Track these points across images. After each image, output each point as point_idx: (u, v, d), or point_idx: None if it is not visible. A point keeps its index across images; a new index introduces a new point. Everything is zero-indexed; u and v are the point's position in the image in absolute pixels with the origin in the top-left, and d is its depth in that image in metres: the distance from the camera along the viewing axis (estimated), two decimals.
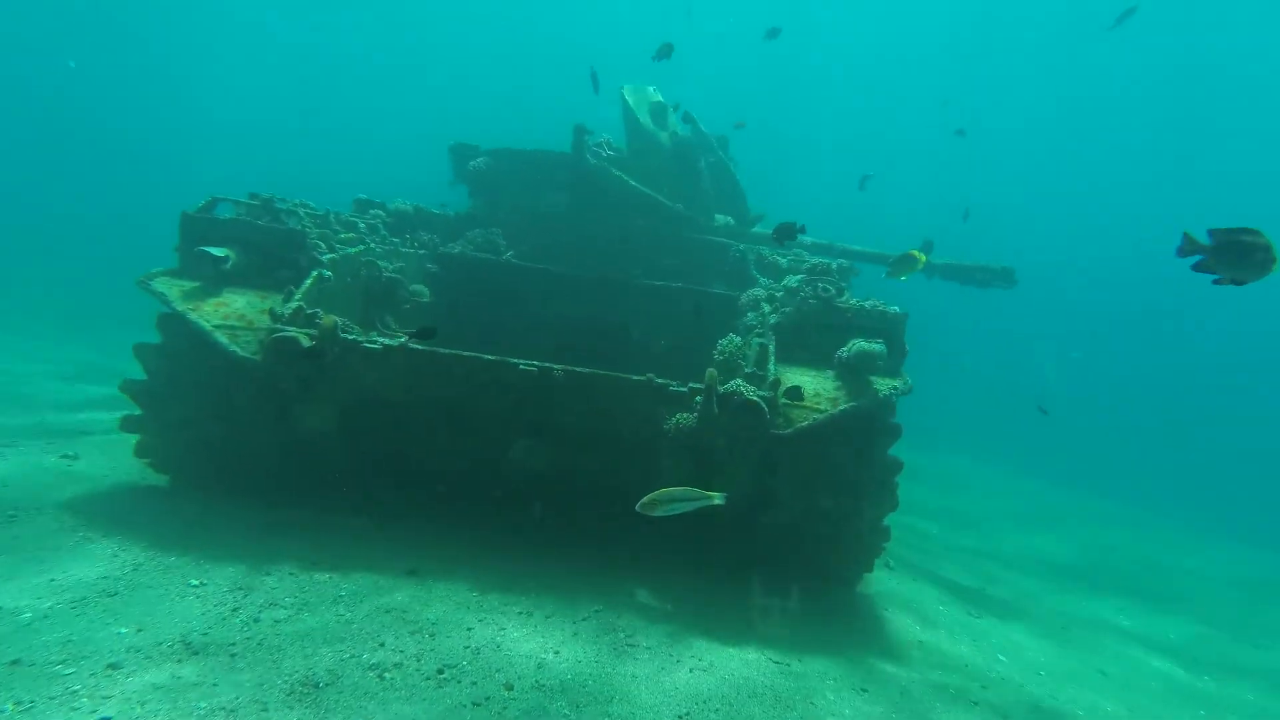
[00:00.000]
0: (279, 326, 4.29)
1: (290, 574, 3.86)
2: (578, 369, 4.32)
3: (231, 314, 4.39)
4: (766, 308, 5.50)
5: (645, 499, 3.19)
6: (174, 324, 4.46)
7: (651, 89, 9.39)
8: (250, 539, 4.20)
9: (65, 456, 5.16)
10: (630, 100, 8.91)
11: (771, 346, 4.71)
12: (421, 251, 7.33)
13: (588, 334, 8.05)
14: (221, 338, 4.20)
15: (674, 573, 4.66)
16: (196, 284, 4.57)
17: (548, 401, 4.41)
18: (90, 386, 8.72)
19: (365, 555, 4.23)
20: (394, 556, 4.28)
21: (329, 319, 4.23)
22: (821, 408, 4.29)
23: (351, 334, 4.49)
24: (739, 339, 5.36)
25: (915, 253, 5.62)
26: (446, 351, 4.37)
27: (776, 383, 4.30)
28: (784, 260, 7.49)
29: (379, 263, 5.75)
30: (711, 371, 4.21)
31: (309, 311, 4.63)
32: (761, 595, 4.56)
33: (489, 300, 7.75)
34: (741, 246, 8.35)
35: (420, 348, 4.39)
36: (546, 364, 4.32)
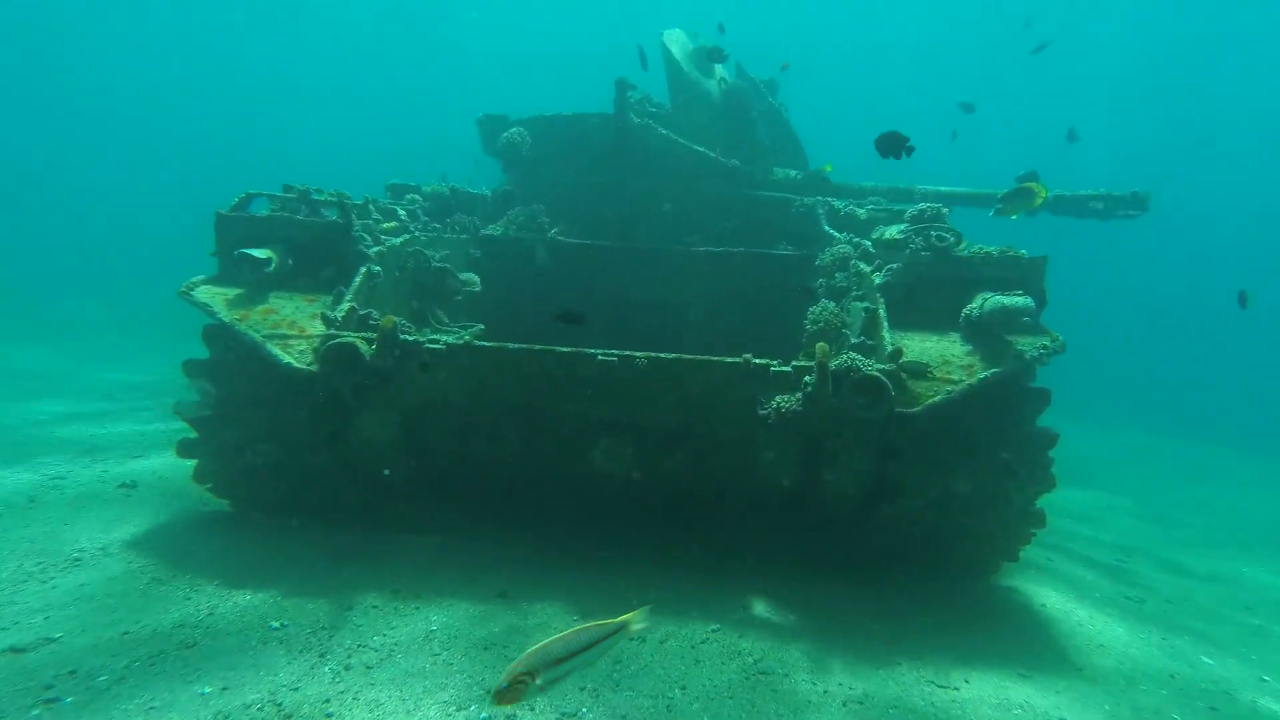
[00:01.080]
0: (333, 332, 3.96)
1: (373, 607, 3.58)
2: (663, 355, 3.87)
3: (281, 321, 4.07)
4: (863, 265, 4.91)
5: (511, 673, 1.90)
6: (222, 337, 4.17)
7: (687, 35, 8.70)
8: (322, 568, 3.95)
9: (123, 486, 5.01)
10: (671, 47, 8.24)
11: (882, 311, 4.16)
12: (463, 236, 6.93)
13: (641, 313, 7.60)
14: (274, 349, 3.88)
15: (787, 578, 4.24)
16: (240, 290, 4.26)
17: (630, 395, 3.99)
18: (134, 401, 8.72)
19: (447, 578, 3.94)
20: (477, 578, 3.97)
21: (387, 320, 3.87)
22: (954, 378, 3.74)
23: (410, 334, 4.13)
24: (833, 305, 4.81)
25: (1034, 184, 4.91)
26: (516, 347, 3.98)
27: (897, 353, 3.77)
28: (862, 211, 6.79)
29: (425, 252, 5.37)
30: (822, 345, 3.70)
31: (361, 312, 4.30)
32: (894, 598, 4.11)
33: (535, 283, 7.34)
34: (806, 200, 7.69)
35: (487, 345, 4.01)
36: (627, 352, 3.89)
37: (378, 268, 4.61)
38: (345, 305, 4.18)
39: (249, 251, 4.19)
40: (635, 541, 4.55)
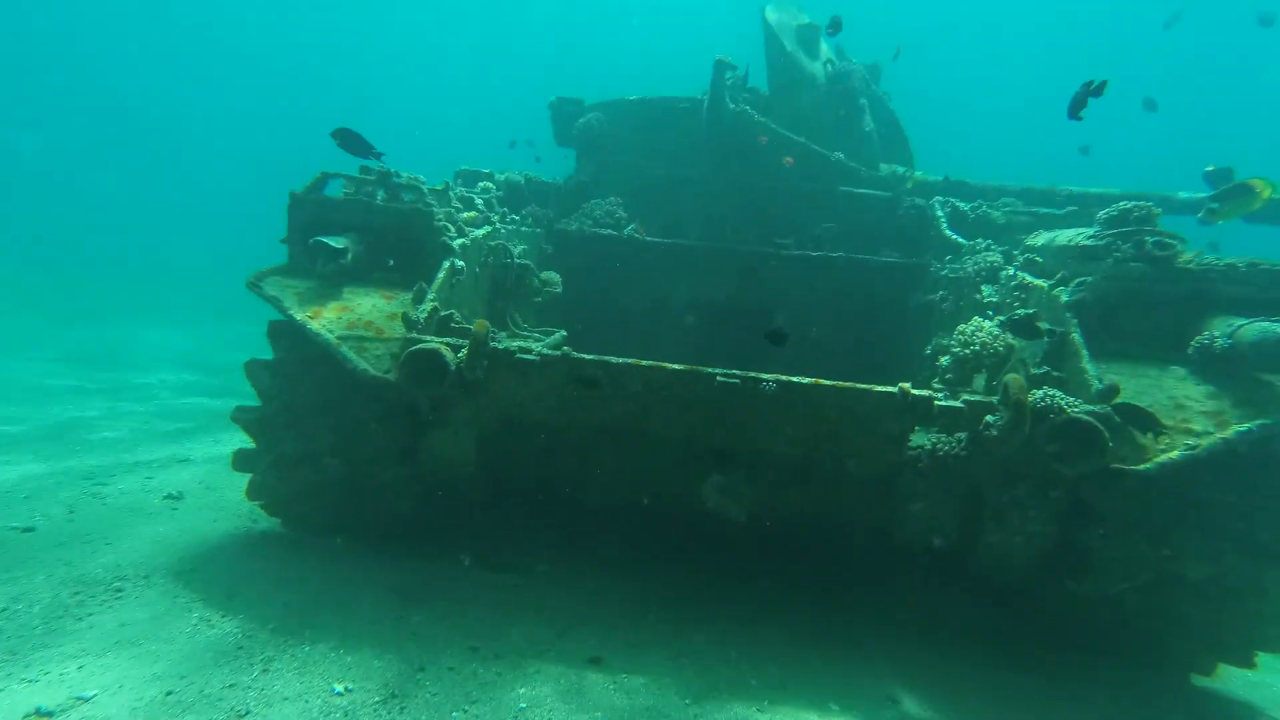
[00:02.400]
0: (415, 335, 3.50)
1: (449, 669, 3.08)
2: (796, 380, 3.25)
3: (357, 321, 3.63)
4: (1028, 277, 4.15)
5: None
6: (290, 335, 3.77)
7: (795, 6, 8.04)
8: (388, 613, 3.48)
9: (169, 498, 4.69)
10: (773, 21, 7.62)
11: (1077, 335, 3.43)
12: (537, 230, 6.47)
13: (723, 320, 7.00)
14: (348, 352, 3.44)
15: (933, 657, 3.56)
16: (312, 283, 3.85)
17: (749, 423, 3.40)
18: (190, 399, 8.59)
19: (530, 634, 3.41)
20: (565, 634, 3.44)
21: (480, 325, 3.37)
22: (1195, 427, 2.99)
23: (499, 341, 3.63)
24: (990, 324, 4.08)
25: (1259, 181, 4.07)
26: (620, 361, 3.44)
27: (1110, 391, 3.04)
28: (998, 213, 5.97)
29: (508, 246, 4.90)
30: (1016, 378, 3.02)
31: (444, 313, 3.83)
32: (1076, 694, 3.37)
33: (609, 284, 6.82)
34: (918, 200, 6.92)
35: (588, 358, 3.48)
36: (752, 374, 3.29)
37: (461, 263, 4.15)
38: (428, 305, 3.71)
39: (325, 240, 3.77)
40: (745, 595, 3.94)
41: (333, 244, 3.78)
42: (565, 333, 4.83)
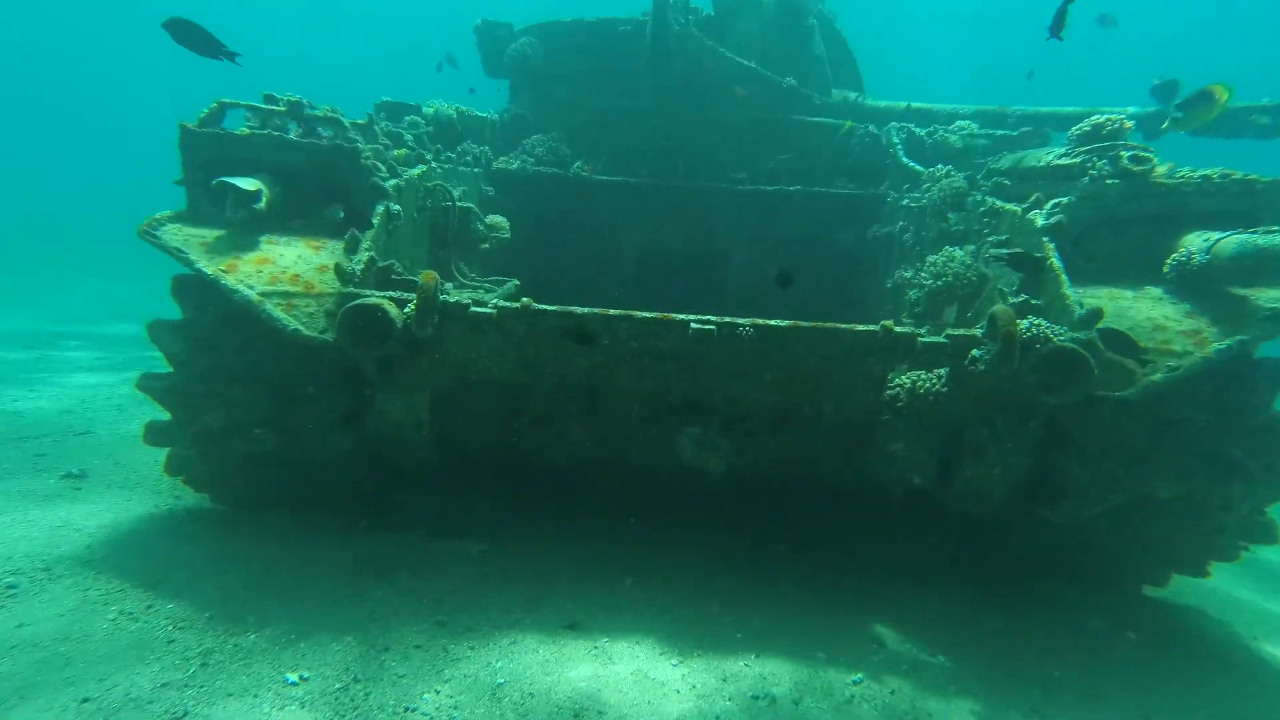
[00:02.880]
0: (353, 290, 3.14)
1: (416, 647, 2.92)
2: (774, 323, 3.13)
3: (282, 275, 3.22)
4: (1000, 202, 4.08)
5: None
6: (200, 293, 3.32)
7: None
8: (343, 592, 3.26)
9: (68, 478, 4.19)
10: None
11: (1056, 260, 3.34)
12: (476, 170, 6.00)
13: (676, 264, 6.82)
14: (276, 310, 3.06)
15: (913, 598, 3.66)
16: (220, 232, 3.37)
17: (724, 371, 3.29)
18: (78, 353, 7.74)
19: (501, 603, 3.28)
20: (538, 601, 3.33)
21: (428, 276, 3.04)
22: (1175, 348, 2.98)
23: (450, 294, 3.32)
24: (960, 252, 4.05)
25: (1218, 87, 4.11)
26: (586, 311, 3.22)
27: (1094, 315, 3.00)
28: (956, 138, 5.92)
29: (448, 188, 4.47)
30: (1004, 309, 2.93)
31: (382, 264, 3.47)
32: (1050, 622, 3.56)
33: (555, 228, 6.48)
34: (871, 127, 6.81)
35: (552, 309, 3.24)
36: (727, 319, 3.15)
37: (397, 206, 3.74)
38: (363, 255, 3.34)
39: (232, 181, 3.28)
40: (723, 549, 3.93)
41: (243, 186, 3.30)
42: (518, 281, 4.53)
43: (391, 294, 3.22)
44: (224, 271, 3.14)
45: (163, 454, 3.75)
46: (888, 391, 3.17)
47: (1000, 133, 5.61)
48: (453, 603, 3.21)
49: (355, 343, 3.09)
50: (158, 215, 3.37)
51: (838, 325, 3.05)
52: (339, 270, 3.18)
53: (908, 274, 5.11)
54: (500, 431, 3.89)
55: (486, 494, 4.25)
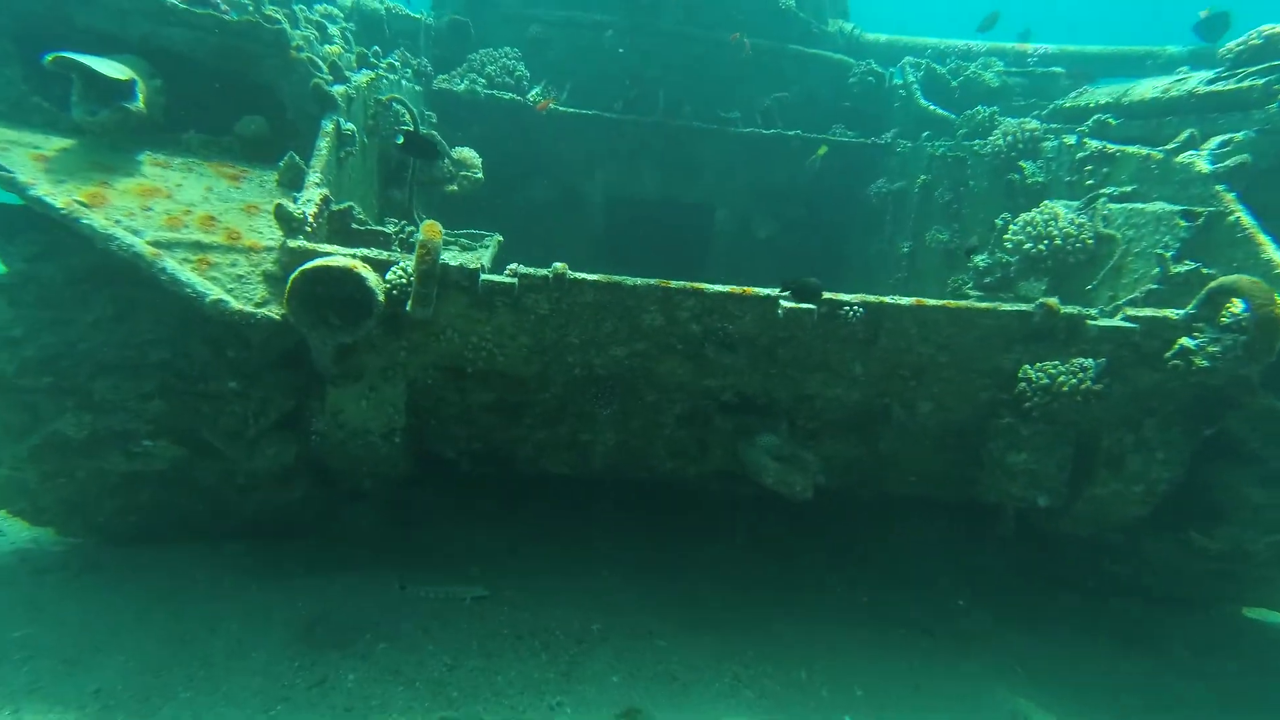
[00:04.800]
0: (305, 245, 2.23)
1: None
2: (892, 301, 2.56)
3: (185, 215, 2.22)
4: (1107, 145, 3.50)
5: None
6: (41, 236, 2.23)
7: None
8: (295, 671, 2.42)
9: None
10: None
11: (1246, 214, 2.80)
12: (416, 88, 4.92)
13: (651, 216, 6.13)
14: (184, 272, 2.09)
15: (1037, 647, 3.15)
16: (65, 140, 2.28)
17: (808, 361, 2.72)
18: None
19: (523, 679, 2.54)
20: (573, 673, 2.63)
21: (431, 230, 2.18)
22: None
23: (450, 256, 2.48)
24: (1065, 209, 3.41)
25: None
26: (640, 282, 2.52)
27: None
28: (991, 76, 5.38)
29: (407, 104, 3.47)
30: (1253, 280, 2.39)
31: (339, 205, 2.54)
32: (1217, 675, 3.07)
33: (508, 168, 5.55)
34: (873, 64, 6.33)
35: (593, 279, 2.50)
36: (828, 294, 2.55)
37: (350, 125, 2.77)
38: (313, 193, 2.40)
39: (84, 60, 2.18)
40: (773, 578, 3.37)
41: (106, 72, 2.22)
42: (500, 237, 3.67)
43: (360, 251, 2.34)
44: (84, 205, 2.09)
45: None
46: (1022, 389, 2.68)
47: (1043, 70, 5.23)
48: (458, 685, 2.46)
49: (316, 323, 2.20)
50: None
51: (975, 304, 2.55)
52: (282, 214, 2.23)
53: (943, 235, 4.75)
54: (493, 436, 3.12)
55: (470, 514, 3.48)
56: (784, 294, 2.53)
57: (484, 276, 2.40)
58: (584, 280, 2.48)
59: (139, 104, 2.29)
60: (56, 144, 2.26)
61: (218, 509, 2.87)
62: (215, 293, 2.11)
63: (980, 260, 3.73)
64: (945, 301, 2.54)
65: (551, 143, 5.57)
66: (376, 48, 4.26)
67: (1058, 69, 5.19)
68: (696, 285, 2.50)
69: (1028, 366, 2.64)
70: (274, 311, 2.22)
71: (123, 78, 2.23)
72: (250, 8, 2.69)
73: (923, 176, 5.21)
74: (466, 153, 4.00)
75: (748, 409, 2.96)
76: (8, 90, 2.34)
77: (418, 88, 4.92)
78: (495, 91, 5.44)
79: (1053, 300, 2.52)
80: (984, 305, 2.54)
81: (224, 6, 2.60)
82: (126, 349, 2.35)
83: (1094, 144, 3.52)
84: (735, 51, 5.84)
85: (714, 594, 3.18)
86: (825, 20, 6.57)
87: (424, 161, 3.48)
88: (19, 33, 2.32)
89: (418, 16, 5.64)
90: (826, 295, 2.52)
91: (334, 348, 2.41)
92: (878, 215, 5.91)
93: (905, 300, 2.53)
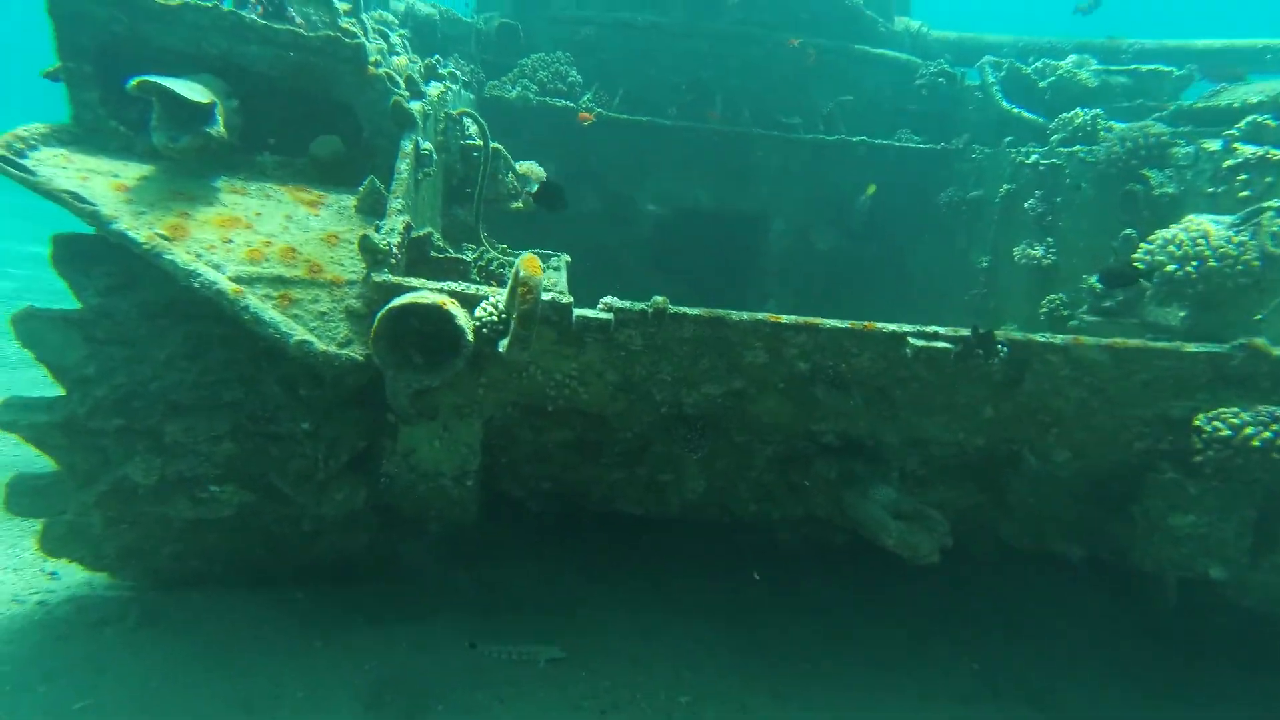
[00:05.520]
0: (390, 279, 2.14)
1: None
2: (1039, 339, 2.37)
3: (267, 248, 2.15)
4: (1270, 150, 3.17)
5: None
6: (117, 269, 2.18)
7: None
8: None
9: None
10: None
11: None
12: (469, 94, 4.86)
13: (703, 226, 6.00)
14: (268, 310, 2.01)
15: None
16: (144, 167, 2.23)
17: (931, 403, 2.54)
18: None
19: None
20: None
21: (532, 265, 2.06)
22: None
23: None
24: (1217, 225, 3.04)
25: None
26: (746, 317, 2.39)
27: None
28: (1087, 75, 5.08)
29: (478, 118, 3.39)
30: None
31: (418, 232, 2.45)
32: None
33: (558, 175, 5.46)
34: (944, 65, 6.11)
35: (694, 314, 2.37)
36: (966, 331, 2.38)
37: (429, 145, 2.69)
38: (395, 221, 2.31)
39: (168, 84, 2.12)
40: (885, 637, 3.17)
41: (188, 95, 2.16)
42: (568, 257, 3.57)
43: (447, 285, 2.24)
44: (165, 239, 2.03)
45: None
46: (1206, 437, 2.45)
47: (1148, 68, 4.96)
48: None
49: (400, 364, 2.11)
50: (23, 129, 2.17)
51: (1147, 344, 2.36)
52: (367, 246, 2.14)
53: (1035, 250, 4.54)
54: (564, 475, 3.01)
55: (535, 551, 3.38)
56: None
57: (577, 312, 2.29)
58: (684, 315, 2.35)
59: (219, 128, 2.23)
60: (135, 171, 2.20)
61: (279, 553, 2.80)
62: (299, 334, 2.03)
63: (1093, 280, 3.52)
64: (1111, 341, 2.34)
65: (602, 149, 5.49)
66: (437, 56, 4.21)
67: (1163, 66, 4.94)
68: (809, 320, 2.36)
69: (1203, 415, 2.43)
70: (358, 352, 2.14)
71: (204, 101, 2.17)
72: (320, 18, 2.62)
73: (1006, 185, 5.00)
74: (531, 167, 3.92)
75: (852, 453, 2.81)
76: (85, 113, 2.30)
77: (470, 95, 4.86)
78: (548, 98, 5.37)
79: (1259, 341, 2.32)
80: (1162, 345, 2.35)
81: (299, 20, 2.53)
82: (200, 388, 2.29)
83: (1249, 149, 3.21)
84: (797, 54, 5.69)
85: (804, 656, 3.01)
86: (891, 18, 6.40)
87: (489, 179, 3.39)
88: (98, 54, 2.27)
89: (469, 21, 5.60)
90: (964, 332, 2.35)
91: (408, 388, 2.32)
92: (948, 226, 5.72)
93: (1059, 338, 2.34)
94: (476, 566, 3.33)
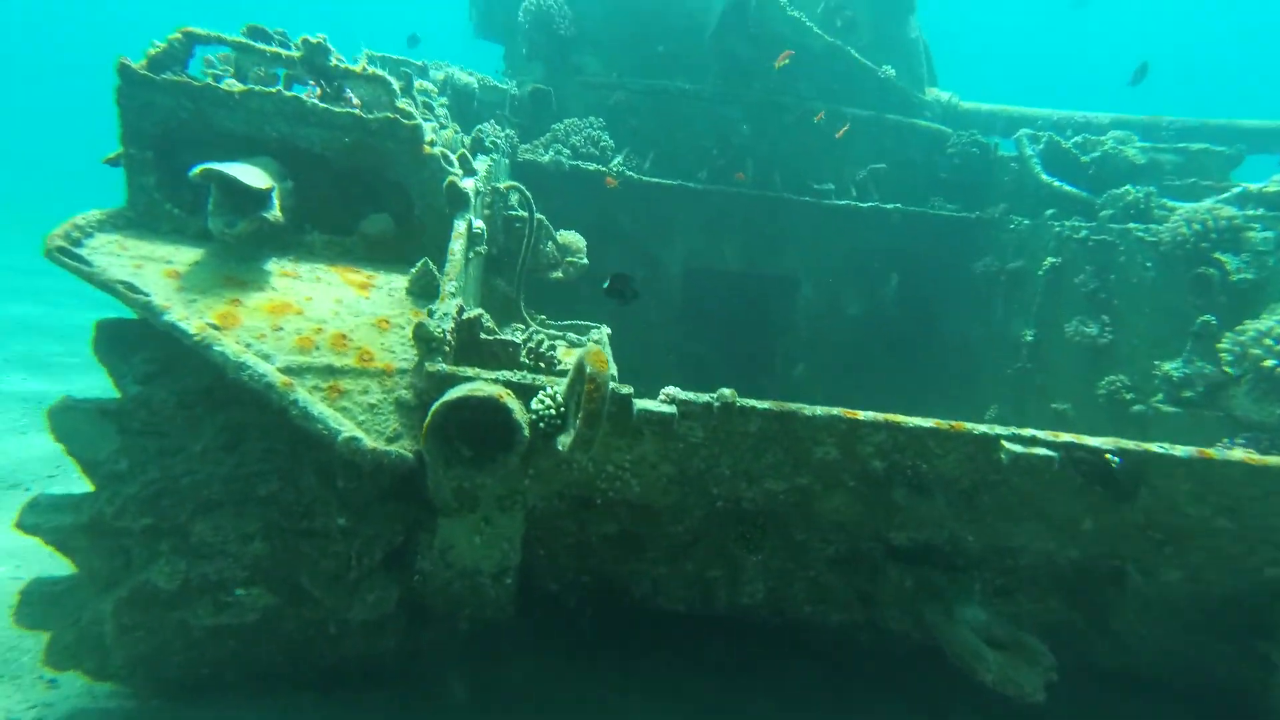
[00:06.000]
0: (444, 369, 2.06)
1: None
2: (1162, 451, 2.17)
3: (317, 334, 2.09)
4: None
5: None
6: (158, 354, 2.11)
7: None
8: None
9: None
10: None
11: None
12: (502, 160, 4.91)
13: (730, 287, 5.98)
14: (316, 405, 1.93)
15: None
16: (196, 250, 2.19)
17: (1022, 511, 2.39)
18: None
19: None
20: None
21: (598, 360, 1.98)
22: None
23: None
24: None
25: None
26: (822, 413, 2.28)
27: None
28: (1134, 151, 5.11)
29: (524, 190, 3.38)
30: None
31: (470, 313, 2.39)
32: None
33: (588, 237, 5.49)
34: (975, 135, 6.22)
35: (763, 407, 2.26)
36: (1078, 438, 2.22)
37: (480, 222, 2.65)
38: (449, 304, 2.25)
39: (233, 175, 2.10)
40: None
41: (247, 181, 2.14)
42: (608, 330, 3.50)
43: (502, 374, 2.16)
44: (216, 329, 1.96)
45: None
46: None
47: (1198, 146, 4.98)
48: None
49: (451, 460, 2.01)
50: (80, 218, 2.15)
51: None
52: (422, 335, 2.07)
53: (1090, 329, 4.45)
54: (605, 569, 2.87)
55: (563, 645, 3.20)
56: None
57: (638, 405, 2.20)
58: (752, 408, 2.25)
59: (275, 212, 2.20)
60: (187, 255, 2.16)
61: (298, 659, 2.64)
62: (347, 430, 1.94)
63: (1174, 369, 3.41)
64: (1246, 454, 2.19)
65: (632, 210, 5.55)
66: (482, 127, 4.26)
67: (1211, 145, 4.97)
68: (890, 417, 2.25)
69: None
70: (407, 447, 2.05)
71: (264, 187, 2.14)
72: (375, 97, 2.63)
73: (1050, 258, 4.98)
74: (571, 237, 3.89)
75: (927, 557, 2.65)
76: (141, 197, 2.28)
77: (505, 160, 4.91)
78: (580, 162, 5.44)
79: None
80: None
81: (356, 100, 2.54)
82: (233, 482, 2.18)
83: None
84: (829, 124, 5.79)
85: None
86: (923, 88, 6.55)
87: (531, 250, 3.36)
88: (156, 132, 2.27)
89: (504, 87, 5.72)
90: (1065, 439, 2.22)
91: (453, 482, 2.21)
92: (985, 295, 5.70)
93: (1181, 450, 2.19)
94: (501, 660, 3.15)
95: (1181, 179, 4.67)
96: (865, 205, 5.82)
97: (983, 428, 2.22)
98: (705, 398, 2.25)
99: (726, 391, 2.26)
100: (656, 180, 5.63)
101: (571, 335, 3.36)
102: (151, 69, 2.38)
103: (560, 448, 2.03)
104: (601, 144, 5.68)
